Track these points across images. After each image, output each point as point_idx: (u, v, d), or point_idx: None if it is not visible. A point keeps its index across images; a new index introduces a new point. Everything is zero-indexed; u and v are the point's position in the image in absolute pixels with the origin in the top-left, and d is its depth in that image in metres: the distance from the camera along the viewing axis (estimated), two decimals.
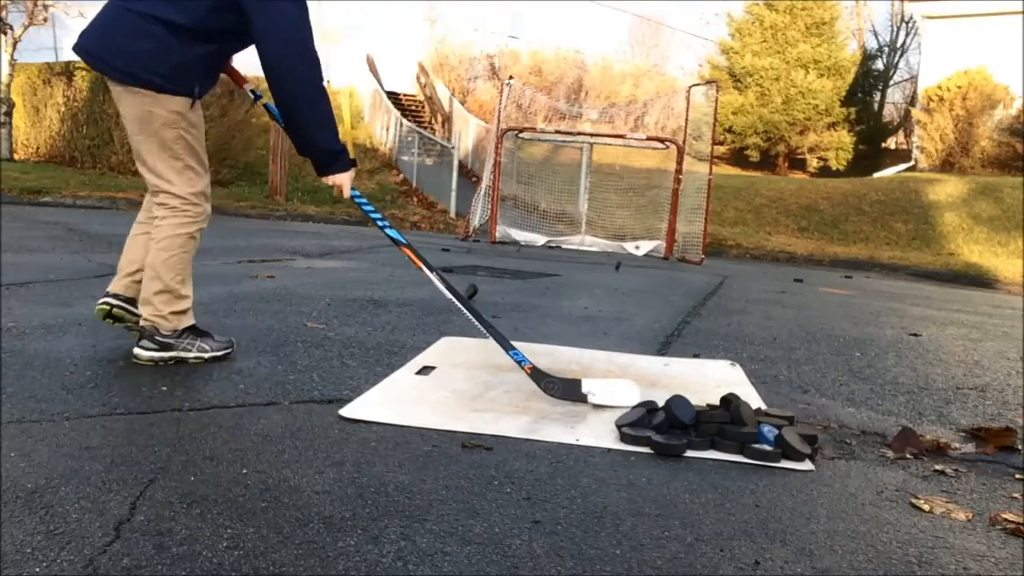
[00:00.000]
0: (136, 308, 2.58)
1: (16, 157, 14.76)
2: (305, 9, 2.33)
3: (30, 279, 3.93)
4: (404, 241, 2.63)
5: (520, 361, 2.43)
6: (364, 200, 2.65)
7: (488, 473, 1.74)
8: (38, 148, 15.54)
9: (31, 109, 15.44)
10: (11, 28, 14.67)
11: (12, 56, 14.61)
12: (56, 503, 1.44)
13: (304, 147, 2.43)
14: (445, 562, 1.32)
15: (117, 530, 1.35)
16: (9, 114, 14.56)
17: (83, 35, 2.40)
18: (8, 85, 14.57)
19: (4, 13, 14.53)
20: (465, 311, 2.55)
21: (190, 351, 2.46)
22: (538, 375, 2.40)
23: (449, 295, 2.56)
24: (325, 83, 2.38)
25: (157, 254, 2.40)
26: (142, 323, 2.45)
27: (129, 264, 2.58)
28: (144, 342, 2.43)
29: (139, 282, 2.55)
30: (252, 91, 2.73)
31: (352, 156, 2.52)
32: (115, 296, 2.58)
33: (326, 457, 1.76)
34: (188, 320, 2.49)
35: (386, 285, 4.57)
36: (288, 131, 2.43)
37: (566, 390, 2.35)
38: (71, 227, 7.10)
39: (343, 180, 2.48)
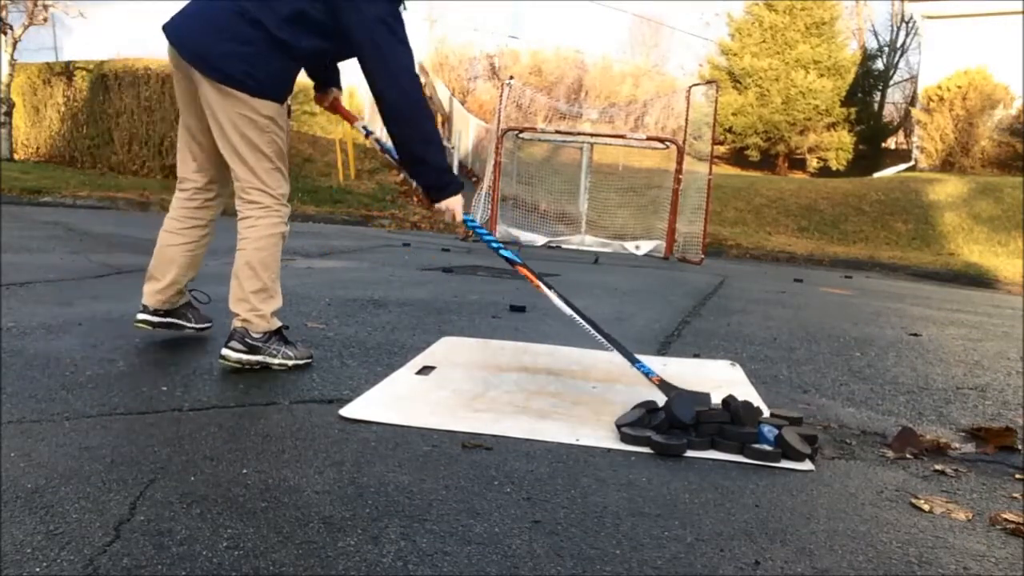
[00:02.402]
0: (172, 318, 2.70)
1: (16, 157, 14.76)
2: (406, 32, 2.37)
3: (30, 279, 3.93)
4: (520, 261, 2.59)
5: (647, 374, 2.32)
6: (477, 224, 2.66)
7: (488, 473, 1.74)
8: (38, 148, 15.54)
9: (31, 109, 15.45)
10: (11, 28, 14.67)
11: (12, 56, 14.62)
12: (56, 503, 1.44)
13: (416, 170, 2.47)
14: (445, 562, 1.32)
15: (117, 530, 1.35)
16: (9, 114, 14.57)
17: (179, 25, 2.37)
18: (8, 85, 14.58)
19: (4, 13, 14.53)
20: (586, 324, 2.46)
21: (275, 356, 2.46)
22: (667, 387, 2.27)
23: (568, 310, 2.48)
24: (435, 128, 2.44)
25: (254, 253, 2.43)
26: (235, 323, 2.44)
27: (164, 275, 2.62)
28: (233, 343, 2.41)
29: (176, 293, 2.66)
30: (363, 127, 2.82)
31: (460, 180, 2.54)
32: (155, 312, 2.65)
33: (326, 457, 1.76)
34: (277, 321, 2.49)
35: (386, 285, 4.57)
36: (401, 157, 2.48)
37: (692, 402, 2.15)
38: (71, 227, 7.10)
39: (455, 204, 2.48)
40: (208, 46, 2.31)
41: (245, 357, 2.41)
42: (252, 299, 2.42)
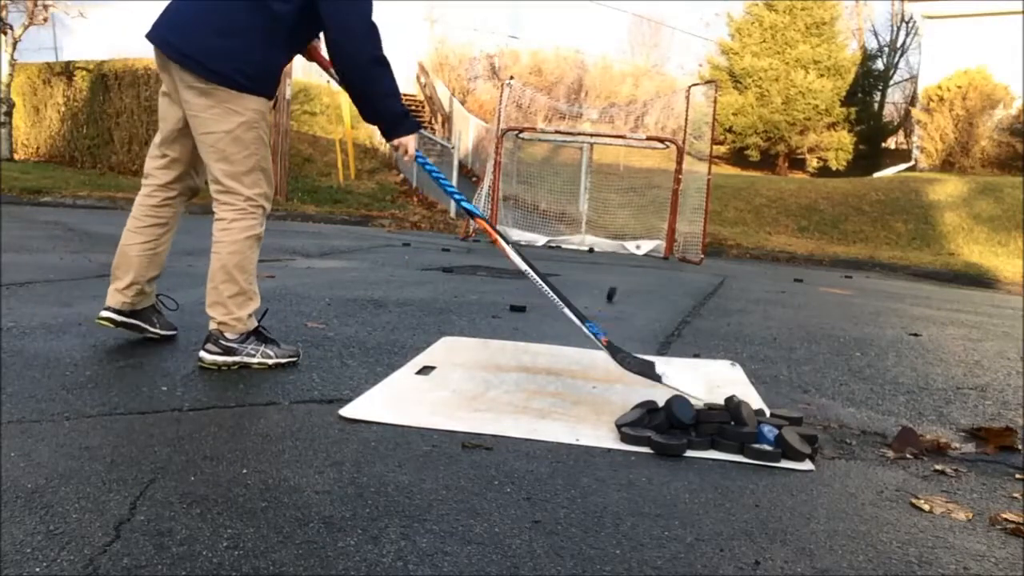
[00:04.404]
0: (135, 320, 2.63)
1: (16, 157, 14.77)
2: None
3: (30, 279, 3.93)
4: (480, 214, 2.73)
5: (596, 334, 2.46)
6: (430, 163, 2.72)
7: (488, 473, 1.74)
8: (38, 148, 15.55)
9: (31, 109, 15.46)
10: (11, 28, 14.69)
11: (12, 56, 14.62)
12: (56, 503, 1.44)
13: (371, 115, 2.52)
14: (445, 562, 1.32)
15: (117, 530, 1.35)
16: (9, 114, 14.58)
17: (163, 24, 2.36)
18: (8, 85, 14.59)
19: (4, 13, 14.54)
20: (543, 286, 2.55)
21: (254, 356, 2.45)
22: (614, 349, 2.43)
23: (525, 267, 2.59)
24: (385, 53, 2.42)
25: (229, 257, 2.40)
26: (211, 325, 2.44)
27: (126, 274, 2.56)
28: (209, 346, 2.42)
29: (137, 294, 2.59)
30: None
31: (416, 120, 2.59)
32: (118, 312, 2.59)
33: (326, 457, 1.76)
34: (254, 322, 2.49)
35: (386, 285, 4.57)
36: (355, 101, 2.49)
37: (642, 367, 2.37)
38: (71, 227, 7.10)
39: (408, 141, 2.55)
40: (195, 45, 2.30)
41: (221, 359, 2.42)
42: (229, 304, 2.41)
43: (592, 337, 2.44)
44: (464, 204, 2.71)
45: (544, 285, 2.53)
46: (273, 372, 2.44)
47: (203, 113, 2.35)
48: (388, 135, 2.54)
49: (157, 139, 2.56)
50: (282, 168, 13.69)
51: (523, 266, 2.57)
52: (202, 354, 2.43)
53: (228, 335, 2.43)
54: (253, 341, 2.47)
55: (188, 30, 2.33)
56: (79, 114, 14.74)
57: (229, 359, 2.43)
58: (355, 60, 2.39)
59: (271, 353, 2.49)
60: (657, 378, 2.33)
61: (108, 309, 2.57)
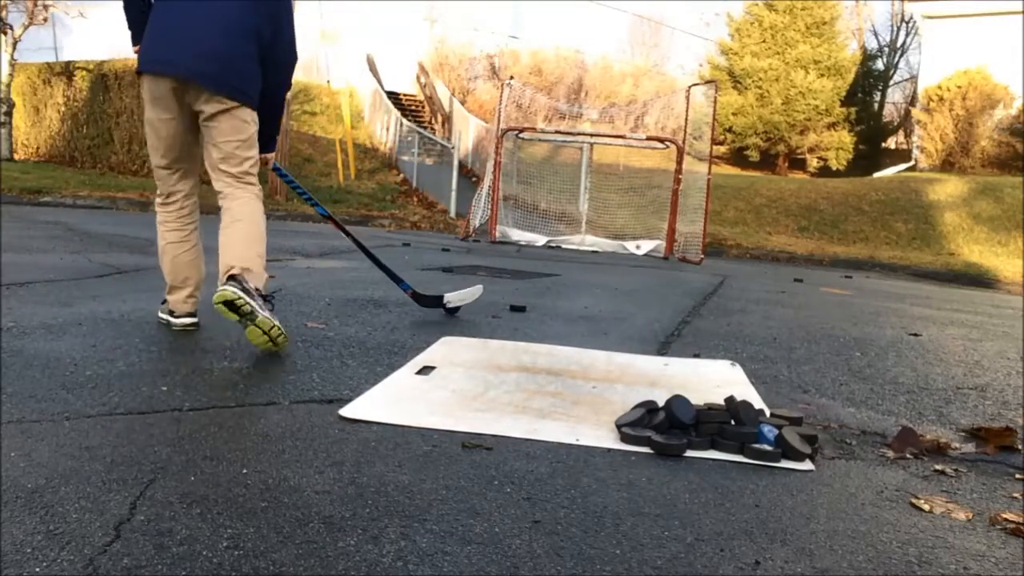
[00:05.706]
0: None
1: (16, 157, 14.78)
2: None
3: (30, 279, 3.93)
4: (327, 214, 3.37)
5: (405, 290, 3.54)
6: (281, 169, 3.29)
7: (488, 473, 1.74)
8: (38, 148, 15.56)
9: (31, 109, 15.46)
10: (11, 28, 14.69)
11: (12, 56, 14.63)
12: (56, 503, 1.44)
13: (271, 136, 3.01)
14: (445, 562, 1.32)
15: (117, 530, 1.35)
16: (9, 114, 14.58)
17: (177, 51, 2.64)
18: (8, 85, 14.59)
19: (4, 13, 14.55)
20: (372, 262, 3.45)
21: (262, 310, 2.53)
22: (416, 296, 3.56)
23: (364, 254, 3.45)
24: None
25: (259, 224, 2.77)
26: (235, 271, 2.59)
27: (187, 281, 2.92)
28: (230, 283, 2.53)
29: (199, 292, 2.96)
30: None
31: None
32: (195, 314, 2.96)
33: (326, 457, 1.76)
34: (265, 279, 2.72)
35: (386, 285, 4.56)
36: (266, 124, 2.92)
37: (431, 302, 3.54)
38: (71, 227, 7.10)
39: (270, 157, 3.09)
40: (234, 72, 2.67)
41: (241, 293, 2.49)
42: (256, 261, 2.67)
43: (404, 293, 3.53)
44: (320, 210, 3.36)
45: (369, 257, 3.43)
46: (273, 372, 2.44)
47: (223, 124, 2.71)
48: (270, 150, 3.03)
49: (168, 159, 2.85)
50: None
51: (364, 254, 3.43)
52: (223, 288, 2.50)
53: (250, 280, 2.56)
54: (262, 300, 2.57)
55: (224, 58, 2.66)
56: (79, 114, 14.75)
57: (245, 297, 2.50)
58: (287, 82, 2.97)
59: (269, 319, 2.55)
60: (443, 306, 3.43)
61: (188, 315, 2.93)
